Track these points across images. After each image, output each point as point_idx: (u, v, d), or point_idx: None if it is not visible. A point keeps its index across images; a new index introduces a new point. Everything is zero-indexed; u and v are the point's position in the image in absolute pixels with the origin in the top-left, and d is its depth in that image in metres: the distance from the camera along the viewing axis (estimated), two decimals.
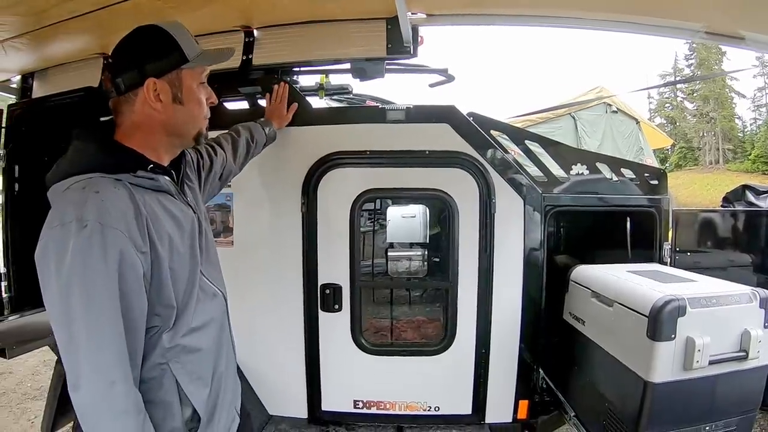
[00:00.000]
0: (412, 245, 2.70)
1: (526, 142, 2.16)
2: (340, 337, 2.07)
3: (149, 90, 1.03)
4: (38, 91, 2.60)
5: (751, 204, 3.23)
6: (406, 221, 2.75)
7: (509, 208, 2.03)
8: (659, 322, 1.42)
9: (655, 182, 2.19)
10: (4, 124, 2.54)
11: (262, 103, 2.14)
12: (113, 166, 0.98)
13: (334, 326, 2.06)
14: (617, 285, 1.70)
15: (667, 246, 2.24)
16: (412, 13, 1.98)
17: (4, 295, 2.64)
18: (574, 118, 6.52)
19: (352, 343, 2.07)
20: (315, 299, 2.04)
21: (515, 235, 2.04)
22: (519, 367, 2.08)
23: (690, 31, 2.08)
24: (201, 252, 1.12)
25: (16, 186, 2.50)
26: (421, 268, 2.70)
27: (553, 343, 2.09)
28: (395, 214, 2.75)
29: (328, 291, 2.03)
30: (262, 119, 1.87)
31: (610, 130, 6.71)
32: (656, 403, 1.45)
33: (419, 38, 2.07)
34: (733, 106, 30.21)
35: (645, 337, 1.45)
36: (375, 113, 2.02)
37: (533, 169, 2.15)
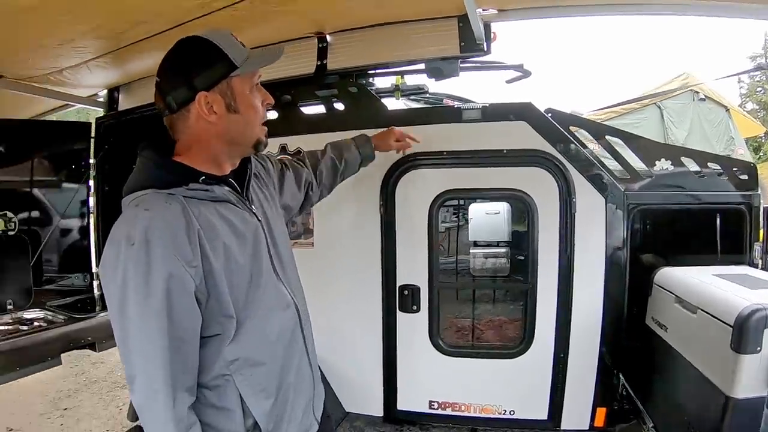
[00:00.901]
0: (495, 243, 2.69)
1: (607, 137, 2.10)
2: (417, 338, 2.09)
3: (201, 104, 1.01)
4: (124, 103, 2.79)
5: None
6: (489, 218, 2.71)
7: (590, 206, 1.98)
8: (744, 333, 1.32)
9: (745, 177, 2.06)
10: (93, 135, 2.79)
11: (339, 106, 2.22)
12: (166, 181, 0.99)
13: (412, 327, 2.09)
14: (701, 290, 1.60)
15: (758, 247, 2.09)
16: (482, 10, 1.97)
17: (96, 292, 2.90)
18: (659, 107, 6.13)
19: (429, 344, 2.09)
20: (393, 300, 2.08)
21: (597, 234, 1.99)
22: (598, 373, 2.02)
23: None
24: (271, 261, 1.12)
25: (106, 188, 2.72)
26: (504, 266, 2.66)
27: (635, 347, 1.99)
28: (478, 211, 2.72)
29: (406, 292, 2.06)
30: (359, 136, 1.77)
31: (698, 119, 6.26)
32: (737, 420, 1.34)
33: (492, 34, 2.06)
34: None
35: (728, 348, 1.35)
36: (451, 113, 2.03)
37: (614, 165, 2.08)
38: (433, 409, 2.15)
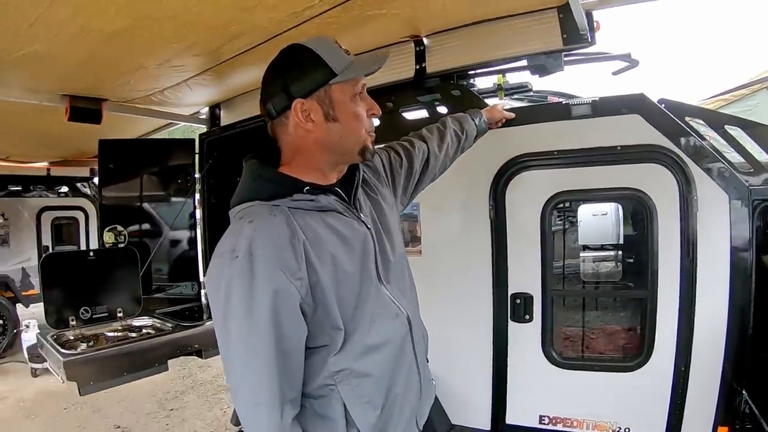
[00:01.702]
0: (603, 246, 2.53)
1: (726, 126, 1.92)
2: (529, 349, 2.02)
3: (297, 112, 1.03)
4: (225, 118, 2.96)
5: None
6: (597, 220, 2.57)
7: (712, 204, 1.82)
8: None
9: None
10: (197, 151, 3.02)
11: (441, 110, 2.21)
12: (270, 193, 1.02)
13: (524, 337, 2.02)
14: None
15: None
16: None
17: (203, 301, 3.12)
18: None
19: (542, 356, 2.01)
20: (505, 309, 2.03)
21: (720, 235, 1.81)
22: (721, 388, 1.83)
23: None
24: (378, 269, 1.11)
25: (212, 200, 2.93)
26: (615, 270, 2.50)
27: (762, 359, 1.83)
28: (586, 212, 2.59)
29: (518, 300, 2.00)
30: (471, 110, 1.79)
31: None
32: None
33: (595, 23, 1.97)
34: None
35: None
36: (560, 110, 1.95)
37: (735, 158, 1.90)
38: (544, 424, 2.05)
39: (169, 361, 2.56)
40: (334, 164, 1.11)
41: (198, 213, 3.08)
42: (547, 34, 1.98)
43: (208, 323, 2.79)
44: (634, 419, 1.95)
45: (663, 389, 1.90)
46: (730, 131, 1.92)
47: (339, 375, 1.02)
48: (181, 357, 2.68)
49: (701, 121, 1.96)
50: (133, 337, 2.67)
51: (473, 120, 1.73)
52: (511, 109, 1.96)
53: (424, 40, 2.18)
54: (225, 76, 2.47)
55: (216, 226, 2.85)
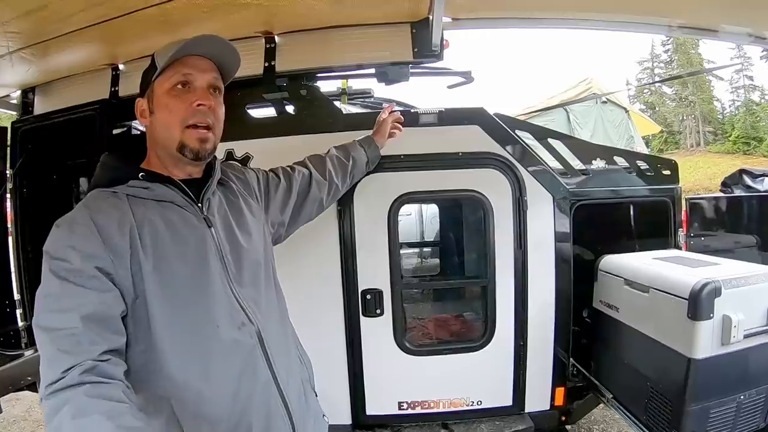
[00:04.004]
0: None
1: (549, 139, 2.33)
2: (382, 341, 2.17)
3: (137, 110, 1.14)
4: (40, 106, 2.60)
5: (749, 187, 3.49)
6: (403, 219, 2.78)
7: (539, 203, 2.19)
8: (699, 303, 1.62)
9: (668, 172, 2.40)
10: (9, 143, 2.55)
11: (289, 109, 2.24)
12: (108, 180, 1.07)
13: (377, 330, 2.16)
14: (651, 272, 1.89)
15: (681, 232, 2.47)
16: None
17: (19, 323, 2.63)
18: (566, 110, 6.90)
19: (395, 346, 2.17)
20: (356, 305, 2.14)
21: (546, 228, 2.20)
22: (554, 357, 2.25)
23: (664, 26, 2.38)
24: (226, 272, 1.09)
25: (26, 202, 2.49)
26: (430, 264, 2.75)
27: (581, 332, 2.28)
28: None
29: (369, 296, 2.13)
30: (362, 138, 1.85)
31: (601, 120, 7.14)
32: (700, 377, 1.63)
33: (445, 42, 2.19)
34: (711, 88, 31.87)
35: (686, 318, 1.64)
36: (408, 117, 2.11)
37: (556, 165, 2.30)
38: (403, 409, 2.23)
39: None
40: (170, 160, 1.12)
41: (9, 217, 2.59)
42: (398, 46, 2.18)
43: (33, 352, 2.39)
44: (485, 392, 2.26)
45: (506, 363, 2.24)
46: (551, 143, 2.33)
47: (171, 384, 0.99)
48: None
49: (528, 134, 2.33)
50: None
51: (362, 147, 1.80)
52: (361, 114, 2.08)
53: (276, 37, 2.20)
54: (54, 53, 2.18)
55: (31, 233, 2.45)
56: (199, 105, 1.08)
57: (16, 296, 2.54)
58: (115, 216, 0.99)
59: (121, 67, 2.40)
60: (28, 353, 2.41)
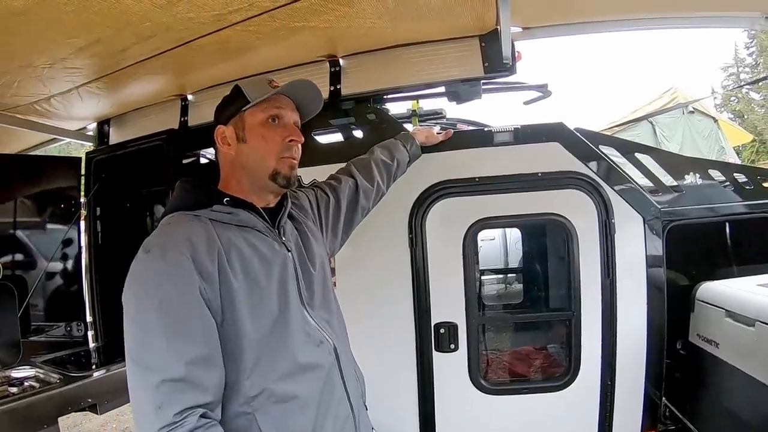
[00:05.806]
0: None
1: (636, 153, 2.12)
2: (456, 378, 2.02)
3: (218, 136, 1.19)
4: (114, 137, 2.72)
5: None
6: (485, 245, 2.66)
7: (628, 225, 1.99)
8: None
9: None
10: (83, 172, 2.68)
11: (357, 134, 2.17)
12: (192, 204, 1.10)
13: (450, 367, 2.02)
14: (756, 301, 1.66)
15: None
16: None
17: (91, 344, 2.74)
18: (651, 123, 6.54)
19: (470, 384, 2.02)
20: (428, 339, 2.01)
21: (637, 254, 1.99)
22: (645, 397, 2.02)
23: (749, 19, 2.10)
24: (300, 295, 1.14)
25: (99, 228, 2.60)
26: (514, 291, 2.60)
27: (674, 367, 2.05)
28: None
29: (443, 330, 2.00)
30: (402, 135, 1.86)
31: (690, 132, 6.73)
32: None
33: (516, 54, 2.06)
34: None
35: None
36: (482, 136, 2.01)
37: (645, 182, 2.10)
38: None
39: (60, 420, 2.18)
40: (253, 187, 1.17)
41: (83, 242, 2.72)
42: (467, 62, 2.06)
43: (101, 372, 2.43)
44: None
45: (592, 405, 2.03)
46: (638, 157, 2.12)
47: (257, 400, 1.00)
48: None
49: (613, 149, 2.13)
50: (14, 393, 2.23)
51: (404, 146, 1.78)
52: None
53: (340, 60, 2.16)
54: (121, 86, 2.26)
55: (104, 258, 2.54)
56: (291, 141, 1.18)
57: (89, 318, 2.64)
58: (204, 239, 1.01)
59: (189, 97, 2.47)
60: (98, 374, 2.42)
